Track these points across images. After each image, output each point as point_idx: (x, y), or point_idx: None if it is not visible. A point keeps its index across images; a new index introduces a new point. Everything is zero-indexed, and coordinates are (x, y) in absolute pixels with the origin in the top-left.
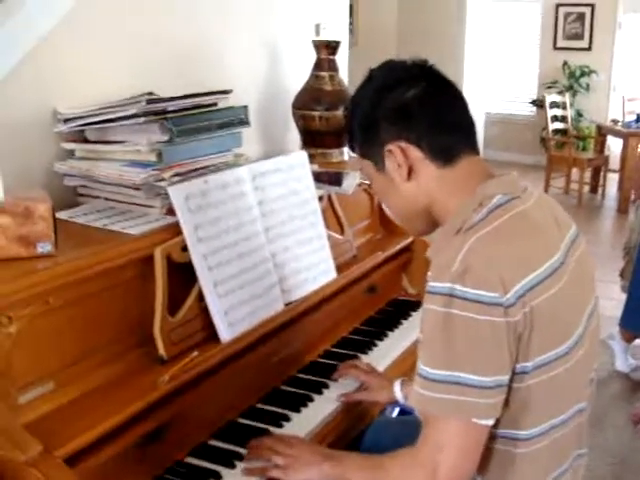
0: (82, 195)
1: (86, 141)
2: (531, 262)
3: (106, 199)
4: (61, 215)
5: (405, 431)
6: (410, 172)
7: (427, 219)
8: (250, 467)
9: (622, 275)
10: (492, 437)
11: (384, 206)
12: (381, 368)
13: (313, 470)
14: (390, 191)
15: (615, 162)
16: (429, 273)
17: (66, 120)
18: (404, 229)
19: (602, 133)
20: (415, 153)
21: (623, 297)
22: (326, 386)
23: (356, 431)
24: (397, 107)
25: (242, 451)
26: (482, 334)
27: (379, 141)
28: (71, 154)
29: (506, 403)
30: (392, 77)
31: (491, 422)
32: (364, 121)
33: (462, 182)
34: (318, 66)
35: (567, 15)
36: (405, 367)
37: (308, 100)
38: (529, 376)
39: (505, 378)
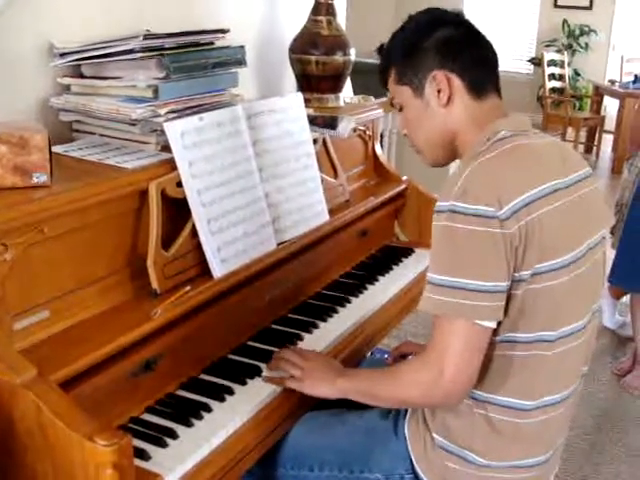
0: (77, 131)
1: (82, 76)
2: (527, 183)
3: (101, 135)
4: (56, 149)
5: None
6: (449, 99)
7: (449, 149)
8: (269, 376)
9: (612, 232)
10: (492, 344)
11: (407, 133)
12: (371, 312)
13: (326, 385)
14: (422, 116)
15: (611, 123)
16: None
17: (62, 54)
18: (424, 158)
19: (599, 93)
20: (457, 82)
21: (613, 254)
22: (316, 326)
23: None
24: (447, 40)
25: (232, 385)
26: (481, 244)
27: (424, 68)
28: (67, 89)
29: (506, 309)
30: (439, 17)
31: (492, 325)
32: (410, 49)
33: (485, 117)
34: (316, 10)
35: None
36: (396, 311)
37: (305, 44)
38: (526, 283)
39: (504, 284)
